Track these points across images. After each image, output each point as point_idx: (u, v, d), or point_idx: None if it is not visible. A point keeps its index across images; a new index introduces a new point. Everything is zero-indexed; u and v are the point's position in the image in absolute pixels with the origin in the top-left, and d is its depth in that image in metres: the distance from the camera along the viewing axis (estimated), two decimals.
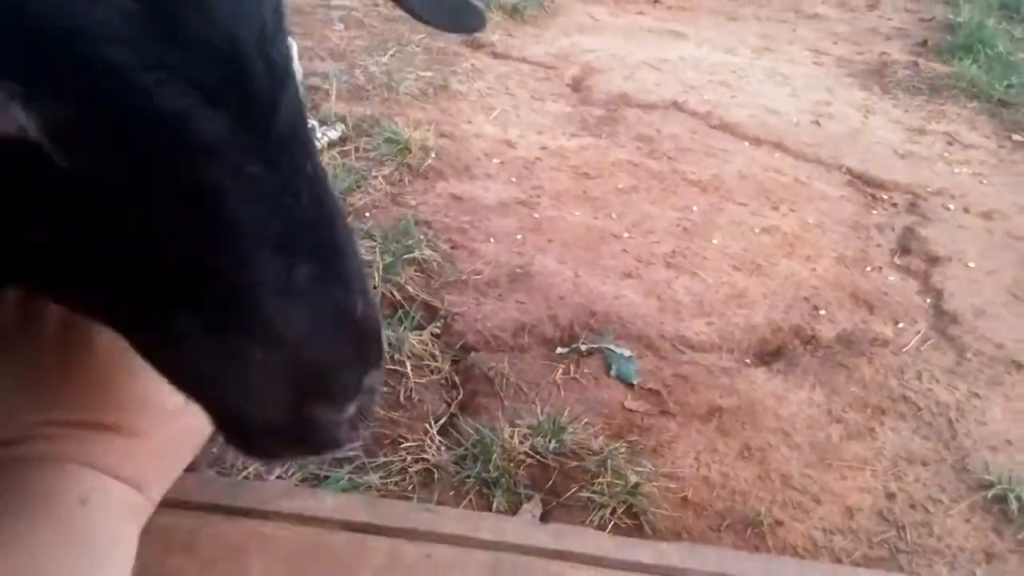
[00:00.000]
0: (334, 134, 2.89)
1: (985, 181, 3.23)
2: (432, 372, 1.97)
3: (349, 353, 0.48)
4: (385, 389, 1.88)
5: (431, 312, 2.15)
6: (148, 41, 0.39)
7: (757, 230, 2.74)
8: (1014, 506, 1.72)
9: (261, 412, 0.47)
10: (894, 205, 3.05)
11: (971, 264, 2.64)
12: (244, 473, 1.60)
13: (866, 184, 3.17)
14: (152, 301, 0.45)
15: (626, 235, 2.62)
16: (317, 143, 2.80)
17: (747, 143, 3.38)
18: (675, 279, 2.44)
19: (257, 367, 0.45)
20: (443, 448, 1.78)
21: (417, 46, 3.88)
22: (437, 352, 2.03)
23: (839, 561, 1.59)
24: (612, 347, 2.09)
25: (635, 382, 2.00)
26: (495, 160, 2.97)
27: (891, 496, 1.75)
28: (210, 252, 0.43)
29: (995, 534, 1.68)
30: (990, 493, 1.75)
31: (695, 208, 2.83)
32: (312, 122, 2.88)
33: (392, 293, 2.16)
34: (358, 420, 0.50)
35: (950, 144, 3.50)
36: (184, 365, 0.47)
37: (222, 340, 0.45)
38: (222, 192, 0.42)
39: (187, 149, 0.41)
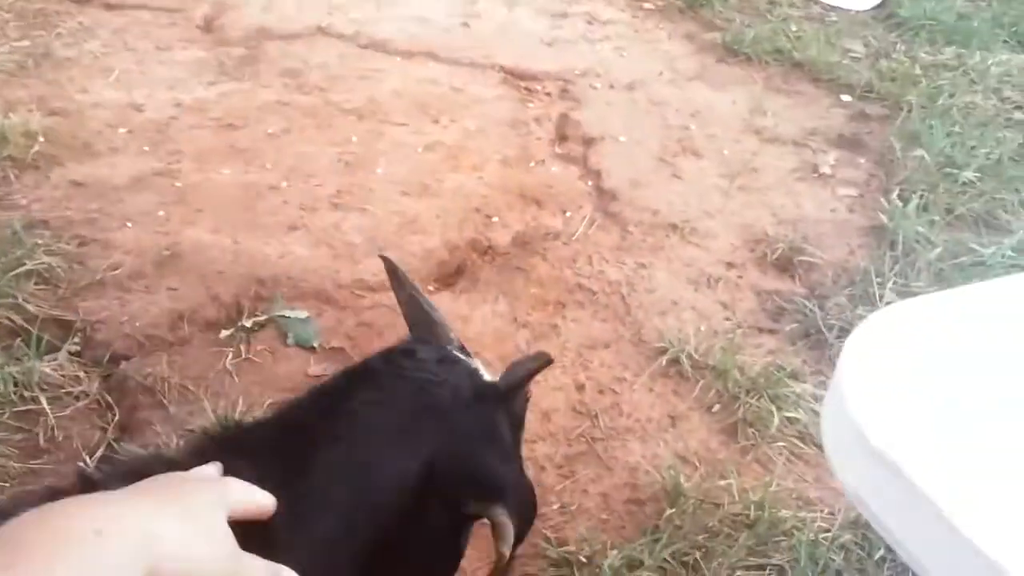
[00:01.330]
0: None
1: (625, 54, 3.39)
2: (77, 398, 1.70)
3: None
4: (19, 437, 1.59)
5: (65, 328, 1.84)
6: None
7: (420, 149, 2.66)
8: (687, 364, 1.83)
9: None
10: (548, 95, 3.11)
11: (622, 138, 2.77)
12: None
13: (519, 79, 3.20)
14: None
15: (284, 184, 2.43)
16: None
17: (399, 58, 3.26)
18: (343, 220, 2.30)
19: None
20: None
21: (7, 11, 3.28)
22: (81, 373, 1.75)
23: (543, 469, 1.61)
24: (285, 313, 1.93)
25: (315, 344, 1.87)
26: (121, 130, 2.60)
27: (581, 387, 1.80)
28: None
29: (676, 396, 1.79)
30: (665, 359, 1.85)
31: (354, 138, 2.68)
32: None
33: (9, 318, 1.82)
34: None
35: (590, 24, 3.62)
36: None
37: None
38: None
39: None
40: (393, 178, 2.51)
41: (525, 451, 1.65)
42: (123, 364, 1.78)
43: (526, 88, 3.16)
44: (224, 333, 1.87)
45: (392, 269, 0.85)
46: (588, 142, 2.75)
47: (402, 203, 2.40)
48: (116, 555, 0.51)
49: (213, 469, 0.69)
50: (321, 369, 1.82)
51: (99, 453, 1.60)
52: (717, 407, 1.75)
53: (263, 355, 1.83)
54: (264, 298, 1.99)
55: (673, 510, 1.47)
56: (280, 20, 3.43)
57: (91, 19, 3.33)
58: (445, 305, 2.04)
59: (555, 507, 1.53)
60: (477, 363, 0.85)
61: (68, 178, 2.33)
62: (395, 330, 1.93)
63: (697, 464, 1.61)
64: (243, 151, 2.57)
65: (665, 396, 1.78)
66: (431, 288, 2.13)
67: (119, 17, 3.39)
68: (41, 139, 2.43)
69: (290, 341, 1.87)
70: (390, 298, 2.05)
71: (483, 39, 3.42)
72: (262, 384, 1.76)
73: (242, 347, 1.84)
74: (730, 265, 2.18)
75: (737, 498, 1.51)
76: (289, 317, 1.92)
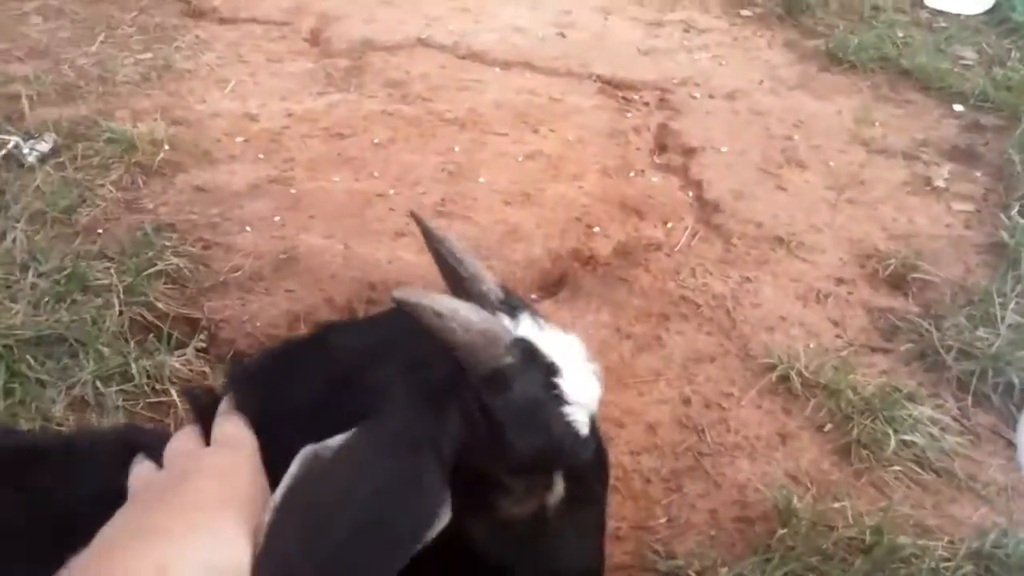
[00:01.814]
0: (45, 147, 2.52)
1: (723, 63, 3.36)
2: None
3: None
4: (151, 427, 1.69)
5: (192, 326, 1.94)
6: None
7: (521, 158, 2.70)
8: (797, 382, 1.81)
9: None
10: (646, 104, 3.11)
11: (723, 148, 2.74)
12: None
13: (616, 88, 3.21)
14: None
15: (391, 192, 2.50)
16: (25, 160, 2.45)
17: (497, 68, 3.31)
18: (448, 228, 2.35)
19: None
20: None
21: (130, 26, 3.47)
22: (207, 369, 1.85)
23: (649, 481, 1.61)
24: None
25: None
26: (238, 139, 2.72)
27: (687, 401, 1.80)
28: None
29: (785, 414, 1.76)
30: (774, 375, 1.83)
31: (457, 148, 2.74)
32: (14, 137, 2.50)
33: (142, 315, 1.93)
34: None
35: (687, 32, 3.60)
36: None
37: None
38: None
39: None
40: (495, 187, 2.55)
41: (630, 462, 1.66)
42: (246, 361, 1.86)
43: (623, 98, 3.16)
44: None
45: (423, 227, 0.81)
46: (688, 152, 2.74)
47: (504, 212, 2.44)
48: None
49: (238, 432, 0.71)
50: None
51: None
52: (829, 427, 1.72)
53: None
54: (375, 301, 2.05)
55: (785, 530, 1.45)
56: (382, 32, 3.53)
57: (207, 33, 3.50)
58: (547, 313, 2.06)
59: (662, 520, 1.53)
60: (523, 314, 0.77)
61: (191, 184, 2.45)
62: None
63: (808, 485, 1.58)
64: (351, 159, 2.65)
65: (774, 413, 1.76)
66: (534, 296, 2.16)
67: (232, 31, 3.55)
68: (166, 147, 2.57)
69: None
70: None
71: (579, 49, 3.44)
72: None
73: None
74: (840, 281, 2.14)
75: (852, 522, 1.48)
76: None
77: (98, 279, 1.97)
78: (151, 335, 1.87)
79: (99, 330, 1.82)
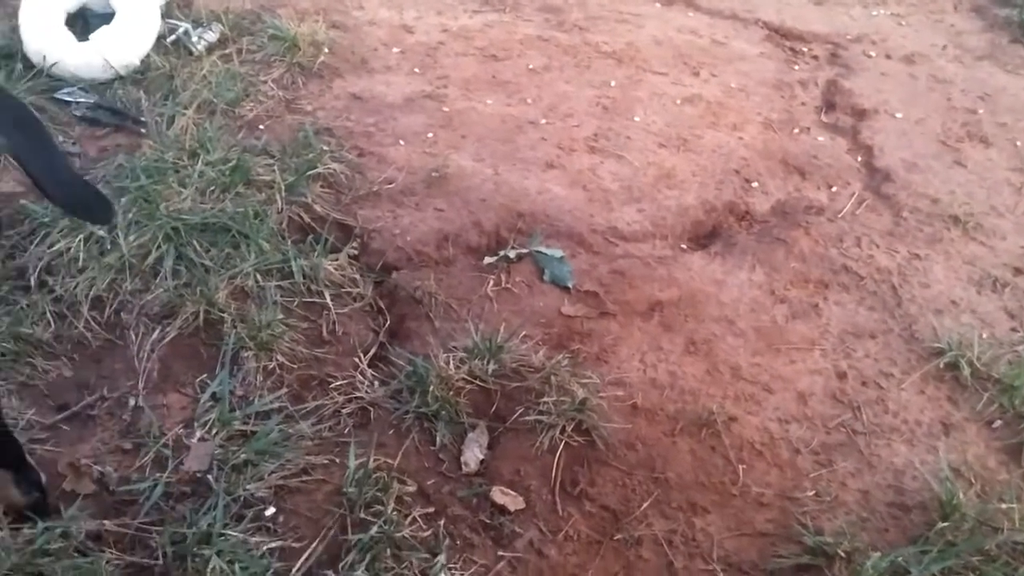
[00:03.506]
0: (212, 36, 2.56)
1: (904, 23, 3.13)
2: (354, 299, 1.81)
3: None
4: (305, 325, 1.72)
5: (345, 232, 1.96)
6: None
7: (679, 101, 2.59)
8: (967, 372, 1.70)
9: None
10: (815, 58, 2.93)
11: (898, 114, 2.57)
12: None
13: (784, 37, 3.04)
14: None
15: (543, 121, 2.45)
16: (194, 48, 2.49)
17: (658, 4, 3.18)
18: (600, 164, 2.29)
19: None
20: (376, 383, 1.64)
21: None
22: (357, 276, 1.86)
23: (797, 452, 1.55)
24: (543, 249, 1.96)
25: (570, 285, 1.89)
26: (394, 49, 2.70)
27: (842, 375, 1.71)
28: None
29: (950, 404, 1.66)
30: (942, 361, 1.73)
31: (613, 83, 2.65)
32: (184, 24, 2.55)
33: (300, 215, 1.95)
34: None
35: None
36: None
37: None
38: None
39: None
40: (650, 128, 2.46)
41: (777, 429, 1.60)
42: (394, 274, 1.88)
43: (791, 48, 2.99)
44: (488, 260, 1.92)
45: None
46: (859, 114, 2.58)
47: (659, 154, 2.35)
48: None
49: None
50: (574, 310, 1.84)
51: (371, 352, 1.71)
52: (999, 423, 1.61)
53: (520, 287, 1.87)
54: (522, 231, 2.03)
55: (946, 524, 1.38)
56: None
57: None
58: (697, 266, 2.00)
59: (810, 493, 1.48)
60: None
61: (348, 90, 2.46)
62: (649, 282, 1.92)
63: (972, 480, 1.49)
64: (505, 83, 2.60)
65: (938, 401, 1.66)
66: (683, 247, 2.09)
67: None
68: (326, 50, 2.57)
69: (546, 277, 1.90)
70: (642, 250, 2.04)
71: None
72: (519, 314, 1.79)
73: (502, 276, 1.88)
74: (1019, 271, 1.99)
75: (1019, 525, 1.39)
76: (546, 254, 1.95)
77: (260, 175, 2.00)
78: (309, 237, 1.90)
79: (261, 224, 1.85)
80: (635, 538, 1.40)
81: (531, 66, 2.70)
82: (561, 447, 1.52)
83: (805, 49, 2.97)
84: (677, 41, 2.92)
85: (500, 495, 1.45)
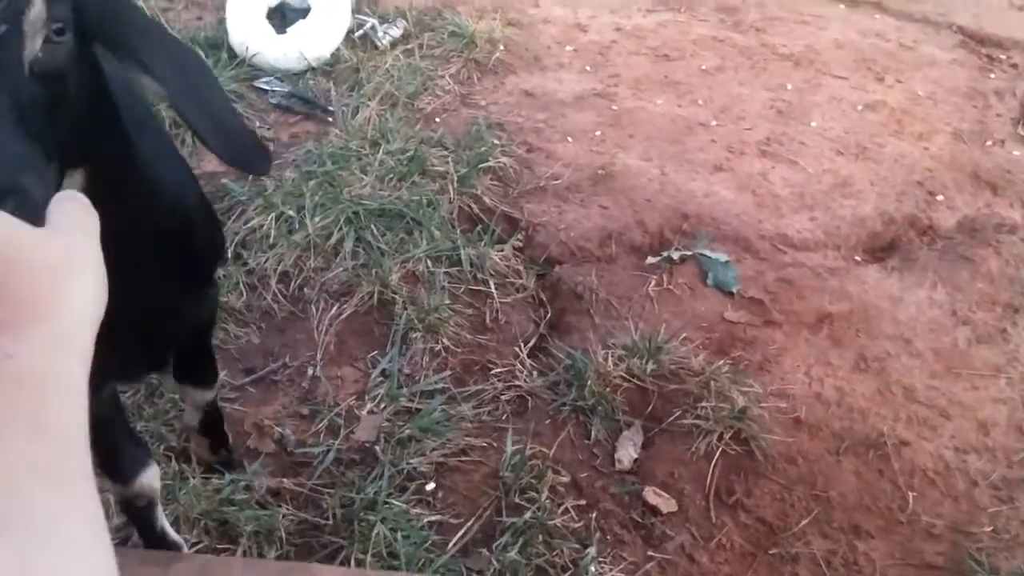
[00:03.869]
0: (396, 32, 2.69)
1: None
2: (517, 290, 1.86)
3: None
4: (470, 311, 1.78)
5: (511, 224, 2.01)
6: None
7: (860, 107, 2.48)
8: None
9: None
10: (1013, 66, 2.72)
11: None
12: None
13: (980, 44, 2.84)
14: None
15: (714, 123, 2.41)
16: (379, 43, 2.62)
17: (842, 5, 3.04)
18: (771, 169, 2.23)
19: None
20: (535, 373, 1.68)
21: None
22: (521, 268, 1.91)
23: (975, 484, 1.46)
24: (707, 252, 1.94)
25: (735, 290, 1.85)
26: (567, 48, 2.74)
27: None
28: None
29: None
30: None
31: (789, 86, 2.57)
32: (371, 19, 2.69)
33: (470, 206, 2.02)
34: None
35: None
36: None
37: None
38: None
39: None
40: (827, 134, 2.37)
41: (953, 459, 1.51)
42: (557, 268, 1.91)
43: (987, 55, 2.79)
44: (650, 260, 1.92)
45: None
46: None
47: (835, 162, 2.26)
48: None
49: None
50: (737, 316, 1.81)
51: (531, 343, 1.75)
52: None
53: (683, 288, 1.86)
54: (686, 233, 2.01)
55: None
56: None
57: None
58: (872, 279, 1.91)
59: (987, 529, 1.39)
60: None
61: (520, 87, 2.51)
62: (819, 293, 1.85)
63: None
64: (676, 83, 2.58)
65: None
66: (857, 259, 2.00)
67: None
68: (501, 47, 2.64)
69: (709, 281, 1.88)
70: (812, 259, 1.98)
71: None
72: (680, 316, 1.78)
73: (664, 276, 1.88)
74: None
75: None
76: (711, 257, 1.92)
77: (435, 166, 2.08)
78: (477, 227, 1.96)
79: (433, 212, 1.93)
80: (792, 555, 1.37)
81: (704, 67, 2.66)
82: (718, 454, 1.50)
83: (1003, 56, 2.77)
84: (861, 44, 2.79)
85: (653, 496, 1.45)
